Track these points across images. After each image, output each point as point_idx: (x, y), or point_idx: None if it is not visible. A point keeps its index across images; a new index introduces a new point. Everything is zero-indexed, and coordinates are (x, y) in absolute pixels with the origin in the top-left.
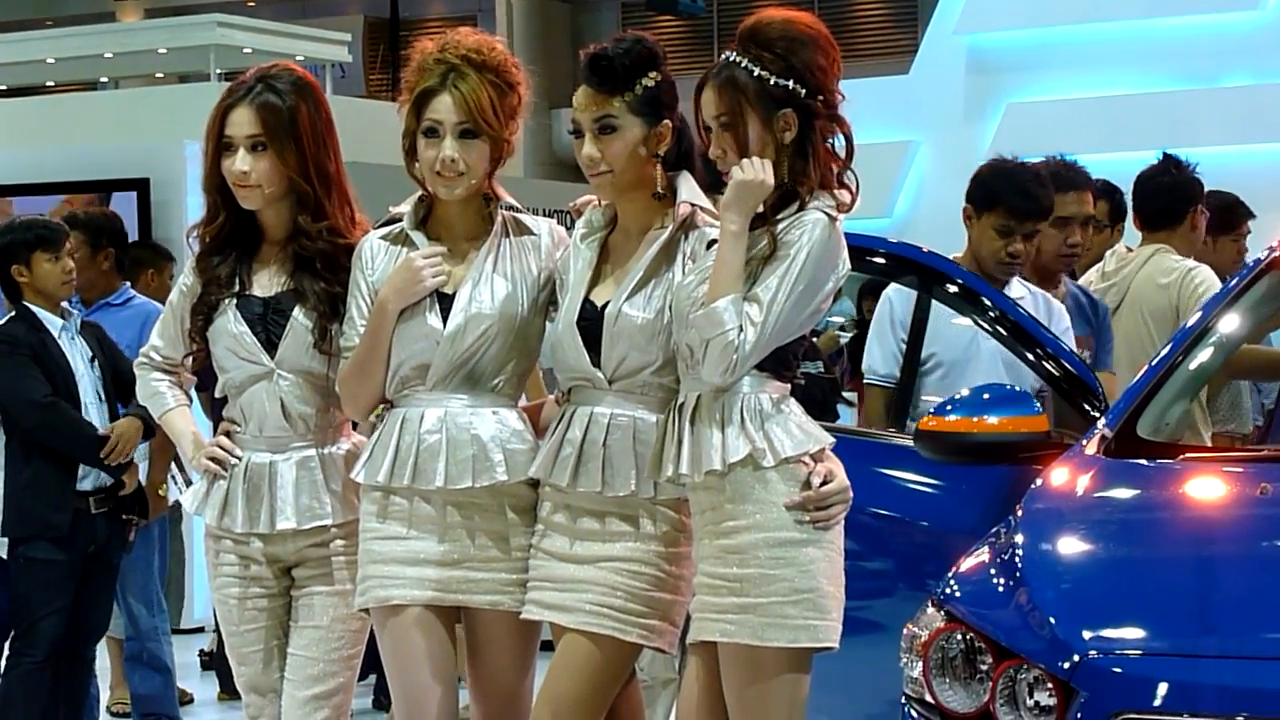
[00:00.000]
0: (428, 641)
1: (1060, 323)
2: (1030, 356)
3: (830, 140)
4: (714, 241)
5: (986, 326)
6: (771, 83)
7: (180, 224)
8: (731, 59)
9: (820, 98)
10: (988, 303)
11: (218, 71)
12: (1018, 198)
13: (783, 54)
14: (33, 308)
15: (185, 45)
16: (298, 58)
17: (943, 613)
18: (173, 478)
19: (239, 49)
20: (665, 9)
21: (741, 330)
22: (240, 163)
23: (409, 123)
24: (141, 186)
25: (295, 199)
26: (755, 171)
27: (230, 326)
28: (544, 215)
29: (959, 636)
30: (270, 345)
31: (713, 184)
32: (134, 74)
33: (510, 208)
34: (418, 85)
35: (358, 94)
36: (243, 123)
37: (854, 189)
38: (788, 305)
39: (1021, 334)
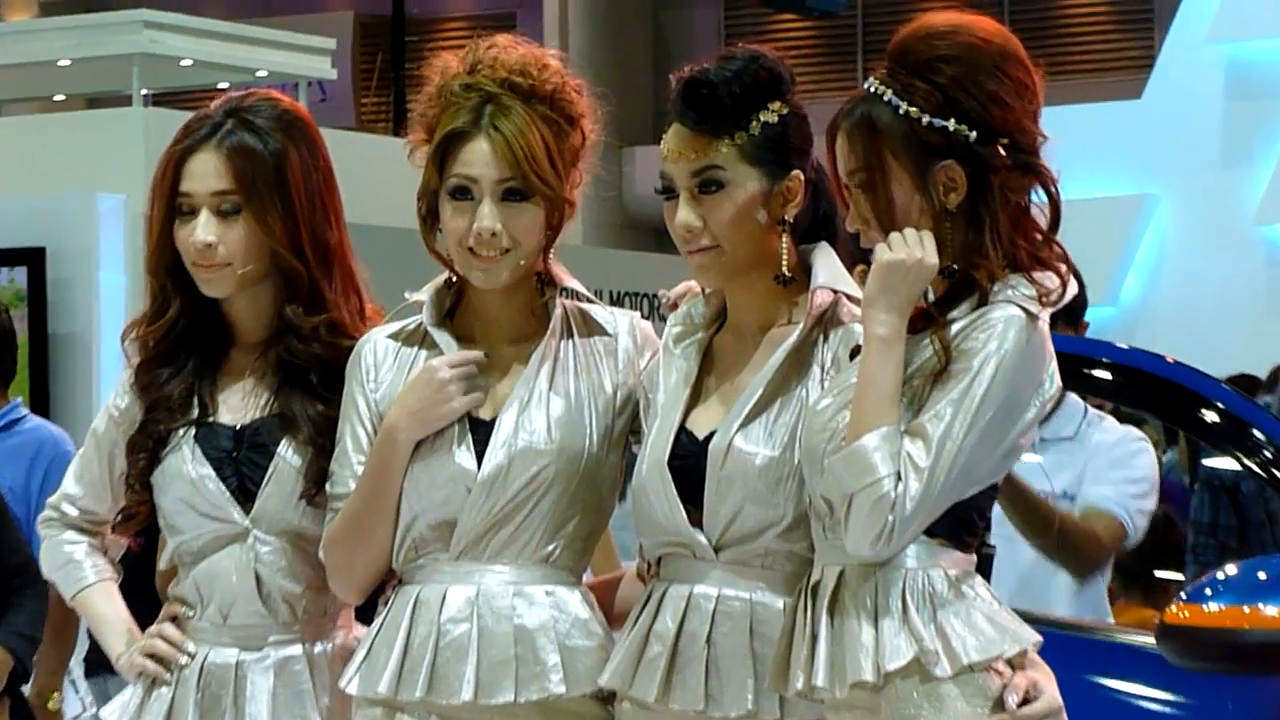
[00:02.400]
0: None
1: None
2: None
3: (1025, 200)
4: (859, 348)
5: (1260, 472)
6: (924, 124)
7: (88, 312)
8: (872, 89)
9: (1003, 141)
10: (1261, 437)
11: (144, 92)
12: None
13: (943, 82)
14: None
15: (97, 54)
16: (259, 73)
17: None
18: (72, 683)
19: (174, 60)
20: (787, 5)
21: (900, 480)
22: (203, 231)
23: (429, 178)
24: (33, 259)
25: (281, 283)
26: (908, 248)
27: (187, 469)
28: (617, 303)
29: None
30: (244, 495)
31: (863, 258)
32: (22, 96)
33: (574, 295)
34: (440, 124)
35: (344, 124)
36: (207, 174)
37: (1063, 270)
38: (969, 442)
39: None
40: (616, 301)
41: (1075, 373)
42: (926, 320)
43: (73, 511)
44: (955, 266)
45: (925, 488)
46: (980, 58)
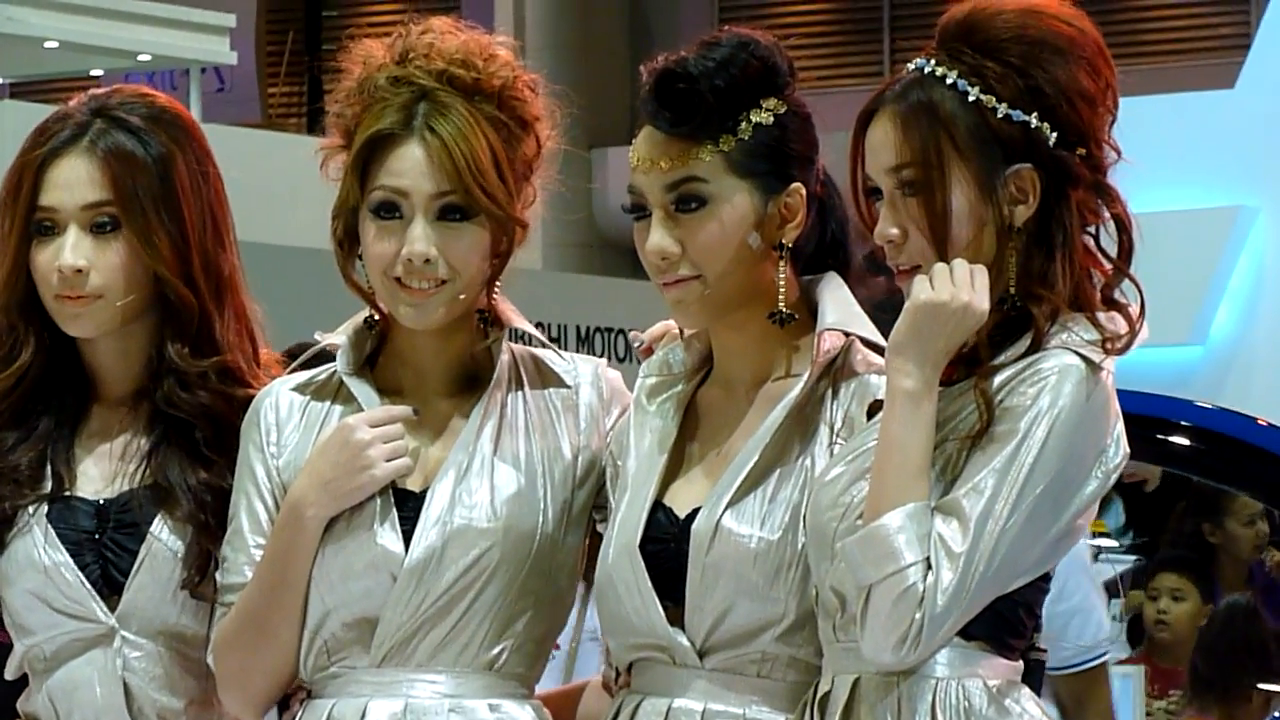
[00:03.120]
0: None
1: None
2: None
3: (1100, 223)
4: (879, 404)
5: None
6: (999, 115)
7: None
8: (927, 69)
9: (1081, 150)
10: None
11: (2, 81)
12: None
13: (1023, 67)
14: None
15: None
16: (141, 56)
17: None
18: None
19: (36, 41)
20: None
21: (931, 569)
22: (72, 253)
23: (346, 191)
24: None
25: (159, 318)
26: (954, 287)
27: (38, 555)
28: (586, 340)
29: None
30: (110, 587)
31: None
32: None
33: (524, 338)
34: (362, 125)
35: (247, 119)
36: (76, 183)
37: (1134, 312)
38: (1015, 523)
39: None
40: (585, 339)
41: (1146, 438)
42: (966, 367)
43: None
44: (1016, 297)
45: (961, 579)
46: (1068, 45)
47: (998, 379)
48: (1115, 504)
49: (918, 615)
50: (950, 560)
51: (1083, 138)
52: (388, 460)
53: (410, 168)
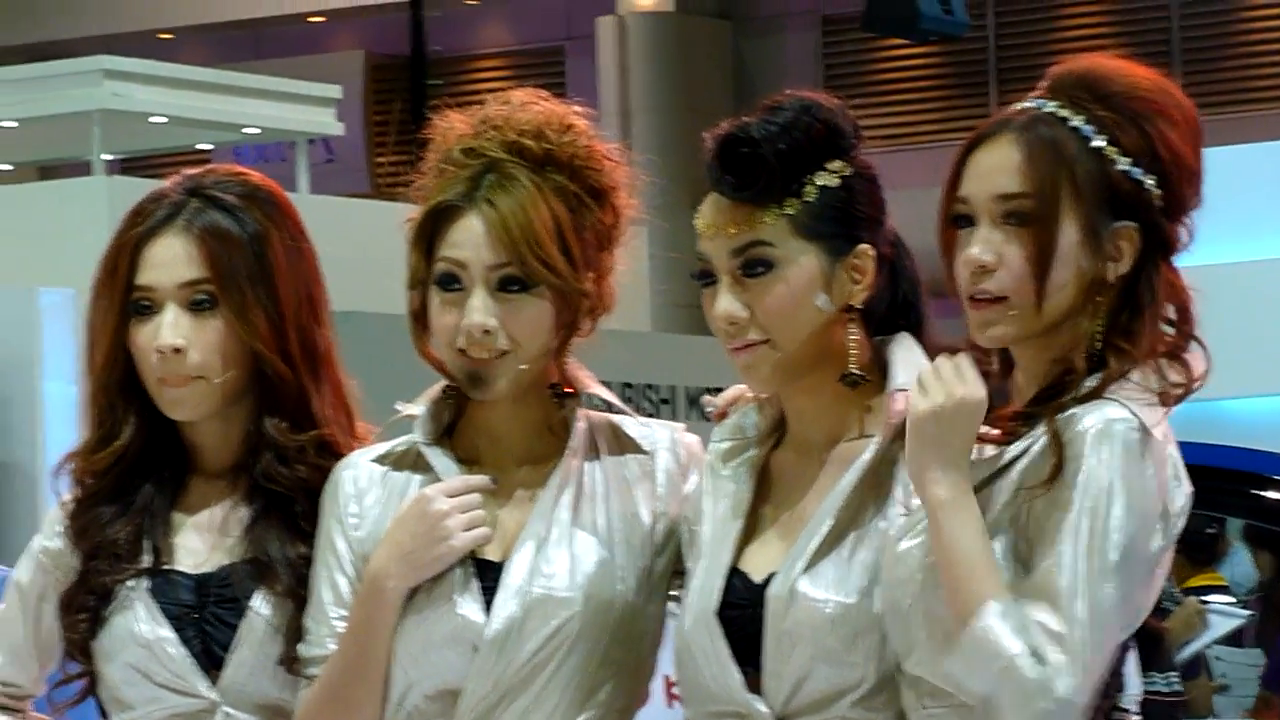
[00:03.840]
0: None
1: None
2: None
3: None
4: None
5: None
6: (1119, 167)
7: (31, 433)
8: (1047, 109)
9: (1170, 212)
10: None
11: (105, 157)
12: None
13: (1142, 125)
14: None
15: (50, 113)
16: (247, 129)
17: None
18: None
19: (142, 117)
20: (895, 29)
21: (1036, 659)
22: (171, 332)
23: (414, 263)
24: None
25: (258, 395)
26: (944, 385)
27: (139, 629)
28: (691, 407)
29: None
30: (209, 661)
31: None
32: None
33: (601, 405)
34: (431, 196)
35: (355, 189)
36: (174, 261)
37: (1193, 362)
38: (1107, 592)
39: None
40: (694, 400)
41: (1237, 493)
42: (1020, 418)
43: None
44: (1099, 352)
45: (1071, 658)
46: (1182, 119)
47: (1060, 418)
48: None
49: (1044, 705)
50: (1056, 642)
51: (1178, 211)
52: (466, 530)
53: (468, 239)
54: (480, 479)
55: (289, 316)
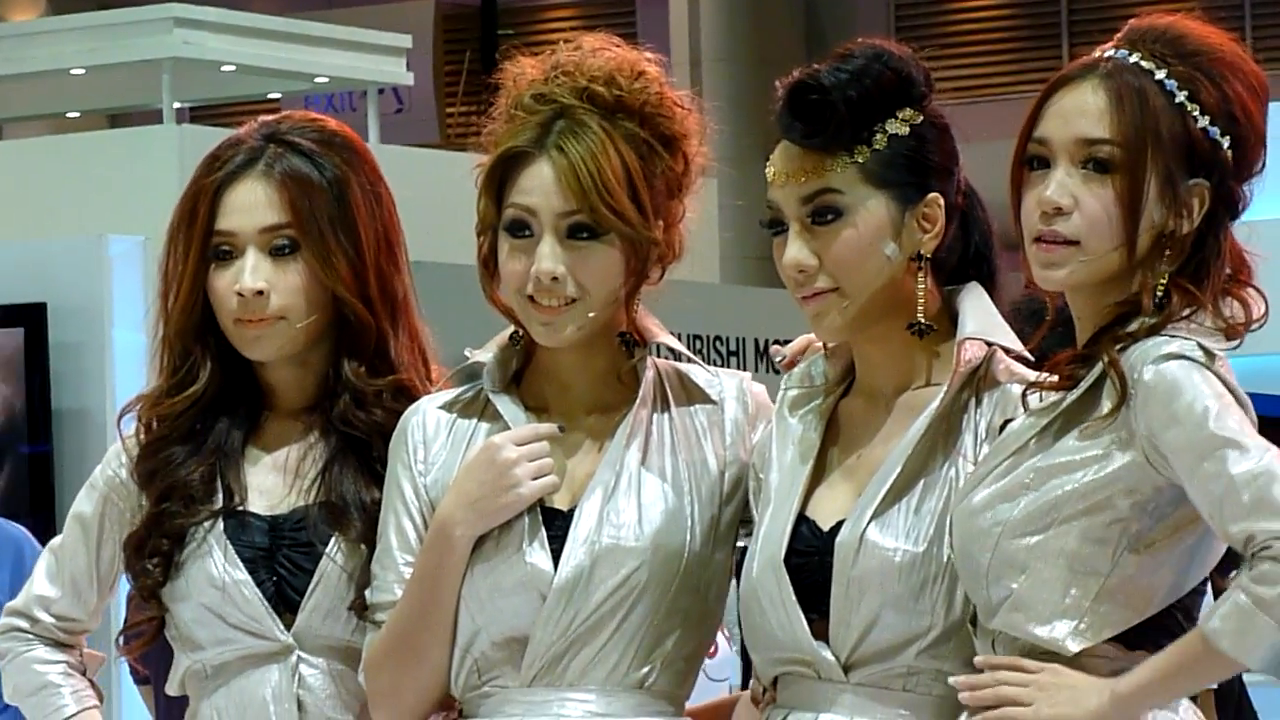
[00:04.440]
0: None
1: None
2: None
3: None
4: (1009, 421)
5: None
6: (1200, 125)
7: (100, 382)
8: (1132, 61)
9: (1238, 174)
10: None
11: (177, 105)
12: None
13: (1223, 85)
14: None
15: (119, 61)
16: (318, 79)
17: None
18: None
19: (213, 65)
20: None
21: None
22: (252, 276)
23: (484, 210)
24: (32, 317)
25: (336, 340)
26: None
27: (215, 571)
28: (760, 358)
29: None
30: (284, 604)
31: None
32: (26, 114)
33: (669, 354)
34: (501, 142)
35: (426, 139)
36: (254, 206)
37: (1250, 296)
38: (1259, 445)
39: None
40: (763, 351)
41: None
42: (1078, 360)
43: (46, 619)
44: (1161, 299)
45: None
46: (1258, 84)
47: (1124, 353)
48: None
49: None
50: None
51: (1246, 173)
52: (534, 479)
53: (538, 186)
54: (548, 427)
55: (369, 261)
